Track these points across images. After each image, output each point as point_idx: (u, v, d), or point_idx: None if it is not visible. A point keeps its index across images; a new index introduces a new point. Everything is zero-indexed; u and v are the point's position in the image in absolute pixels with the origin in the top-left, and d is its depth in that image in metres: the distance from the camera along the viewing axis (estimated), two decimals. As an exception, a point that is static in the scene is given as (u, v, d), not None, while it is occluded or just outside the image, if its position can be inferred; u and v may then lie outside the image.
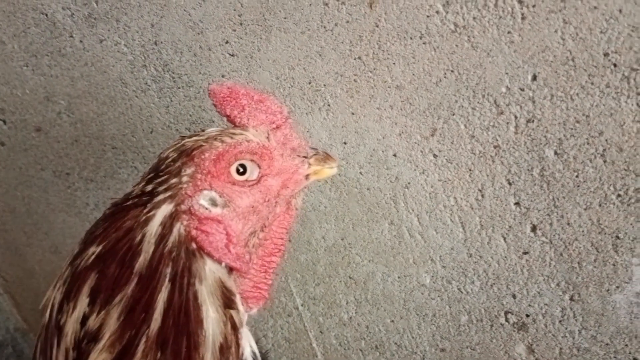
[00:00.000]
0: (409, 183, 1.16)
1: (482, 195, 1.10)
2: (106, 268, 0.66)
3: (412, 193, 1.17)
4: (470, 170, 1.09)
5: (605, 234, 1.02)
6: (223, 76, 1.24)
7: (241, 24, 1.15)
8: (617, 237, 1.01)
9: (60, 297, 0.68)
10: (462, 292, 1.21)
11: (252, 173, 0.74)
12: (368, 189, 1.21)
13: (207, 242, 0.68)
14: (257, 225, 0.75)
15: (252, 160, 0.73)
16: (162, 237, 0.67)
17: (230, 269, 0.72)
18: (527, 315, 1.16)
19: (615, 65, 0.90)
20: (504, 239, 1.11)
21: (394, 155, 1.15)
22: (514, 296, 1.15)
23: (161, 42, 1.27)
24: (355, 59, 1.09)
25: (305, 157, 0.80)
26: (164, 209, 0.68)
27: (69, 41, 1.37)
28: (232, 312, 0.69)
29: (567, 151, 0.99)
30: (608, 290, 1.06)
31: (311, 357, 1.52)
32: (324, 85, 1.14)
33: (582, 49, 0.91)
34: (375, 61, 1.07)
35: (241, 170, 0.73)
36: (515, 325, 1.18)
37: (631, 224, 0.99)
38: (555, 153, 1.00)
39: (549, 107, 0.97)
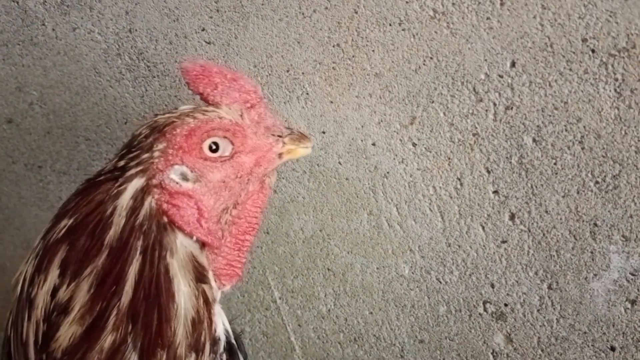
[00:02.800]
0: (388, 172, 1.15)
1: (461, 184, 1.09)
2: (76, 240, 0.65)
3: (391, 182, 1.16)
4: (449, 158, 1.08)
5: (583, 221, 1.02)
6: (199, 64, 1.22)
7: (218, 10, 1.13)
8: (595, 225, 1.01)
9: (31, 270, 0.68)
10: (440, 282, 1.20)
11: (225, 150, 0.74)
12: (347, 179, 1.20)
13: (178, 215, 0.68)
14: (229, 201, 0.75)
15: (224, 137, 0.74)
16: (134, 210, 0.67)
17: (203, 245, 0.72)
18: (506, 305, 1.15)
19: (593, 51, 0.90)
20: (483, 227, 1.11)
21: (373, 144, 1.14)
22: (492, 285, 1.15)
23: (136, 30, 1.24)
24: (333, 47, 1.08)
25: (279, 136, 0.79)
26: (136, 183, 0.68)
27: (41, 30, 1.33)
28: (205, 286, 0.69)
29: (545, 138, 0.99)
30: (586, 278, 1.06)
31: (289, 351, 1.50)
32: (303, 73, 1.13)
33: (560, 35, 0.91)
34: (354, 48, 1.06)
35: (214, 147, 0.72)
36: (493, 315, 1.18)
37: (609, 211, 0.99)
38: (534, 140, 1.00)
39: (528, 94, 0.97)
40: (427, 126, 1.07)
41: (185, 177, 0.71)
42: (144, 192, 0.68)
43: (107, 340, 0.63)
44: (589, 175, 0.98)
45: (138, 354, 0.64)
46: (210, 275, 0.72)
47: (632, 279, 1.02)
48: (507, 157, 1.03)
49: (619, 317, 1.06)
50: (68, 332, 0.63)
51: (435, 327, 1.25)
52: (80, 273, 0.64)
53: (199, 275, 0.69)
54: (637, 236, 0.99)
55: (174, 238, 0.68)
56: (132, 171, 0.69)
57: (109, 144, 1.47)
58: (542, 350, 1.15)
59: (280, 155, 0.79)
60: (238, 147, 0.75)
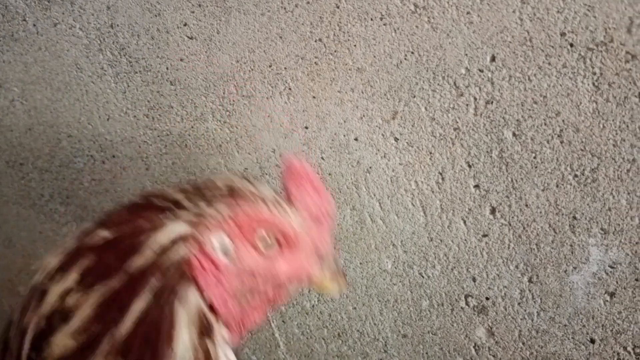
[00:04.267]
0: (370, 167, 1.15)
1: (443, 179, 1.10)
2: (104, 254, 0.65)
3: (373, 177, 1.16)
4: (430, 153, 1.08)
5: (562, 214, 1.03)
6: (182, 60, 1.21)
7: (200, 5, 1.12)
8: (574, 218, 1.02)
9: (55, 264, 0.67)
10: (423, 277, 1.21)
11: (271, 247, 0.74)
12: (329, 174, 1.20)
13: (201, 276, 0.68)
14: (247, 289, 0.74)
15: (277, 238, 0.73)
16: (165, 250, 0.66)
17: (211, 308, 0.70)
18: (487, 298, 1.16)
19: (571, 45, 0.91)
20: (464, 222, 1.11)
21: (356, 139, 1.14)
22: (474, 279, 1.16)
23: (117, 25, 1.23)
24: (316, 41, 1.08)
25: (322, 263, 0.79)
26: (181, 227, 0.68)
27: (21, 25, 1.32)
28: (208, 341, 0.68)
29: (525, 132, 0.99)
30: (566, 271, 1.07)
31: (274, 347, 1.50)
32: (285, 68, 1.13)
33: (539, 29, 0.92)
34: (336, 43, 1.06)
35: (265, 237, 0.72)
36: (475, 309, 1.18)
37: (588, 204, 1.00)
38: (514, 134, 1.01)
39: (507, 88, 0.97)
40: (408, 121, 1.07)
41: (224, 250, 0.70)
42: (183, 239, 0.67)
43: None
44: (568, 168, 0.99)
45: None
46: (217, 331, 0.71)
47: (610, 272, 1.03)
48: (487, 152, 1.04)
49: (598, 310, 1.07)
50: (62, 342, 0.62)
51: (418, 321, 1.26)
52: (93, 286, 0.63)
53: (204, 330, 0.68)
54: (615, 229, 1.00)
55: (189, 290, 0.67)
56: (185, 215, 0.68)
57: (91, 140, 1.45)
58: (523, 344, 1.16)
59: (312, 279, 0.79)
60: (282, 252, 0.74)
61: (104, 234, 0.66)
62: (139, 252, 0.65)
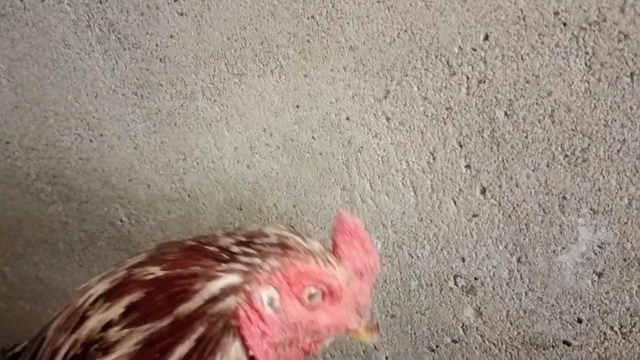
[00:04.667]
0: (361, 147, 1.15)
1: (434, 158, 1.09)
2: (155, 294, 0.66)
3: (364, 157, 1.15)
4: (422, 132, 1.08)
5: (552, 194, 1.03)
6: (172, 36, 1.19)
7: (191, -20, 1.11)
8: (564, 198, 1.02)
9: (101, 291, 0.68)
10: (412, 257, 1.21)
11: (315, 299, 0.75)
12: (320, 154, 1.19)
13: (247, 328, 0.69)
14: (287, 341, 0.76)
15: (322, 291, 0.75)
16: (215, 300, 0.67)
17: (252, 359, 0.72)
18: (476, 279, 1.16)
19: (564, 24, 0.91)
20: (454, 202, 1.11)
21: (347, 118, 1.13)
22: (463, 259, 1.16)
23: (106, 1, 1.21)
24: (308, 19, 1.06)
25: (360, 315, 0.80)
26: (233, 279, 0.69)
27: (8, 0, 1.29)
28: None
29: (517, 112, 0.99)
30: (554, 252, 1.07)
31: (261, 328, 1.50)
32: (277, 46, 1.11)
33: (532, 8, 0.91)
34: (328, 20, 1.05)
35: (312, 292, 0.74)
36: (464, 289, 1.19)
37: (577, 185, 1.00)
38: (506, 114, 1.00)
39: (500, 68, 0.97)
40: (400, 100, 1.07)
41: (271, 303, 0.71)
42: (233, 290, 0.68)
43: None
44: (559, 148, 0.99)
45: None
46: None
47: (599, 252, 1.04)
48: (479, 131, 1.03)
49: (586, 290, 1.08)
50: None
51: (407, 301, 1.26)
52: (139, 324, 0.64)
53: None
54: (604, 209, 1.00)
55: (232, 342, 0.68)
56: (237, 266, 0.69)
57: (79, 118, 1.43)
58: (511, 324, 1.17)
59: (348, 330, 0.80)
60: (325, 304, 0.75)
61: (155, 270, 0.68)
62: (191, 299, 0.66)
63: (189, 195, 1.40)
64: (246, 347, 0.70)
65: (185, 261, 0.69)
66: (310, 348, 0.82)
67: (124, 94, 1.34)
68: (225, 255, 0.70)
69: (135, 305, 0.65)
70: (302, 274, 0.72)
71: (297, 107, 1.17)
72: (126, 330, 0.64)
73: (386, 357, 1.34)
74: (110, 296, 0.67)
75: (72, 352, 0.65)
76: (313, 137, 1.18)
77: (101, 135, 1.43)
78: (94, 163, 1.48)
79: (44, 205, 1.63)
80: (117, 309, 0.65)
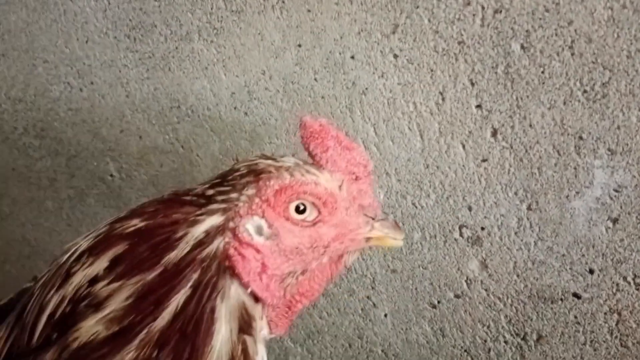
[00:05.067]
0: (366, 89, 1.07)
1: (443, 99, 1.02)
2: (138, 245, 0.64)
3: (369, 100, 1.08)
4: (432, 70, 1.00)
5: (568, 134, 0.96)
6: (168, -30, 1.11)
7: None
8: (580, 138, 0.95)
9: (85, 247, 0.66)
10: (416, 207, 1.13)
11: (310, 215, 0.70)
12: (322, 97, 1.11)
13: (241, 265, 0.65)
14: (297, 266, 0.71)
15: (313, 203, 0.70)
16: (201, 244, 0.65)
17: (257, 298, 0.68)
18: (482, 228, 1.09)
19: (590, -56, 0.83)
20: (463, 146, 1.04)
21: (352, 57, 1.05)
22: (469, 208, 1.09)
23: None
24: (313, -54, 0.99)
25: (372, 218, 0.74)
26: (214, 219, 0.66)
27: None
28: (247, 337, 0.66)
29: (534, 44, 0.92)
30: (567, 197, 1.00)
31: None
32: (279, -22, 1.03)
33: None
34: (335, -52, 0.97)
35: (301, 208, 0.69)
36: (469, 240, 1.11)
37: (595, 123, 0.93)
38: (522, 47, 0.93)
39: (518, -5, 0.90)
40: (410, 35, 0.99)
41: (259, 232, 0.67)
42: (217, 230, 0.66)
43: (130, 355, 0.60)
44: (577, 83, 0.92)
45: None
46: (257, 327, 0.69)
47: (615, 196, 0.97)
48: (492, 67, 0.96)
49: (599, 238, 1.01)
50: (91, 329, 0.60)
51: (409, 255, 1.19)
52: (126, 277, 0.62)
53: (244, 326, 0.66)
54: (623, 149, 0.93)
55: (229, 284, 0.65)
56: (215, 206, 0.67)
57: (68, 65, 1.34)
58: (518, 276, 1.10)
59: (367, 239, 0.74)
60: (324, 216, 0.70)
61: (136, 222, 0.66)
62: (175, 245, 0.64)
63: (182, 147, 1.32)
64: (245, 286, 0.66)
65: (165, 211, 0.67)
66: (332, 269, 0.75)
67: (116, 37, 1.26)
68: (202, 200, 0.68)
69: (120, 258, 0.63)
70: (280, 191, 0.67)
71: (299, 46, 1.09)
72: (115, 285, 0.62)
73: (385, 315, 1.27)
74: (93, 251, 0.65)
75: (59, 310, 0.63)
76: (315, 79, 1.10)
77: (92, 83, 1.34)
78: (84, 114, 1.39)
79: (31, 161, 1.54)
80: (101, 263, 0.63)
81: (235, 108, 1.20)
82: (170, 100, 1.27)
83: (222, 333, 0.64)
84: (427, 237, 1.15)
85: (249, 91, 1.17)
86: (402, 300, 1.23)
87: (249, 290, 0.66)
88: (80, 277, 0.63)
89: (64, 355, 0.60)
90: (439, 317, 1.21)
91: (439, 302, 1.20)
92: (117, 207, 1.48)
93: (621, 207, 0.97)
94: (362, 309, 1.29)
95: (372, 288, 1.25)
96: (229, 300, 0.65)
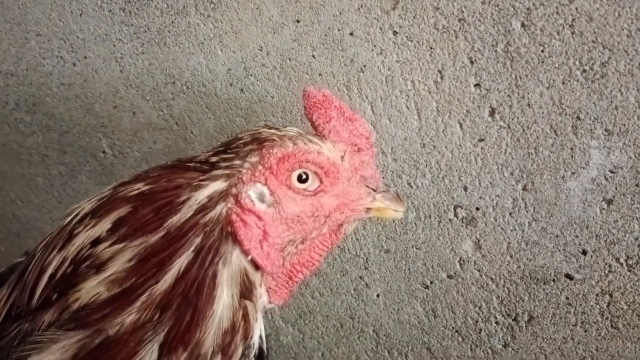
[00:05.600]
0: (364, 66, 1.05)
1: (442, 77, 1.01)
2: (141, 207, 0.64)
3: (367, 77, 1.06)
4: (431, 48, 0.99)
5: (565, 114, 0.95)
6: (166, -59, 1.08)
7: None
8: (578, 118, 0.95)
9: (88, 209, 0.66)
10: (412, 187, 1.12)
11: (312, 184, 0.71)
12: (320, 74, 1.10)
13: (242, 231, 0.66)
14: (298, 235, 0.71)
15: (315, 173, 0.70)
16: (204, 208, 0.65)
17: (257, 266, 0.68)
18: (477, 209, 1.09)
19: None
20: (460, 125, 1.03)
21: (351, 34, 1.04)
22: (465, 188, 1.08)
23: None
24: None
25: (373, 189, 0.75)
26: (217, 185, 0.67)
27: None
28: (248, 303, 0.67)
29: (534, 22, 0.91)
30: (563, 177, 1.00)
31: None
32: (279, -49, 1.02)
33: None
34: None
35: (303, 177, 0.70)
36: (464, 220, 1.11)
37: (593, 103, 0.93)
38: (522, 25, 0.92)
39: (521, -28, 0.89)
40: (410, 11, 0.98)
41: (261, 198, 0.68)
42: (220, 196, 0.66)
43: (131, 317, 0.60)
44: (577, 63, 0.91)
45: (159, 344, 0.61)
46: (258, 293, 0.69)
47: (610, 177, 0.96)
48: (492, 45, 0.95)
49: (593, 219, 1.00)
50: (92, 290, 0.60)
51: (403, 235, 1.18)
52: (129, 239, 0.62)
53: (245, 291, 0.66)
54: (620, 129, 0.93)
55: (231, 249, 0.66)
56: (219, 172, 0.67)
57: (62, 39, 1.31)
58: (511, 257, 1.09)
59: (368, 209, 0.75)
60: (325, 186, 0.71)
61: (139, 186, 0.66)
62: (178, 209, 0.64)
63: (177, 123, 1.30)
64: (246, 253, 0.66)
65: (169, 176, 0.67)
66: (332, 239, 0.76)
67: (110, 11, 1.23)
68: (205, 167, 0.68)
69: (123, 220, 0.63)
70: (282, 159, 0.68)
71: (298, 21, 1.07)
72: (118, 246, 0.62)
73: (377, 295, 1.26)
74: (96, 213, 0.65)
75: (60, 271, 0.62)
76: (313, 56, 1.09)
77: (85, 57, 1.31)
78: (77, 89, 1.36)
79: (22, 137, 1.51)
80: (104, 225, 0.63)
81: (231, 84, 1.18)
82: (165, 76, 1.25)
83: (224, 298, 0.64)
84: (421, 217, 1.14)
85: (245, 67, 1.15)
86: (394, 280, 1.23)
87: (249, 257, 0.66)
88: (82, 238, 0.63)
89: (64, 315, 0.60)
90: (431, 298, 1.21)
91: (431, 282, 1.19)
92: (109, 184, 1.46)
93: (616, 188, 0.97)
94: (354, 289, 1.28)
95: (365, 268, 1.25)
96: (231, 265, 0.65)
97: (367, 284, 1.26)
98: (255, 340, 0.71)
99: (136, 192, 0.66)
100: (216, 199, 0.66)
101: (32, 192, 1.59)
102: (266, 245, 0.67)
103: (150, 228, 0.63)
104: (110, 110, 1.35)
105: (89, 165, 1.46)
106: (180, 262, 0.63)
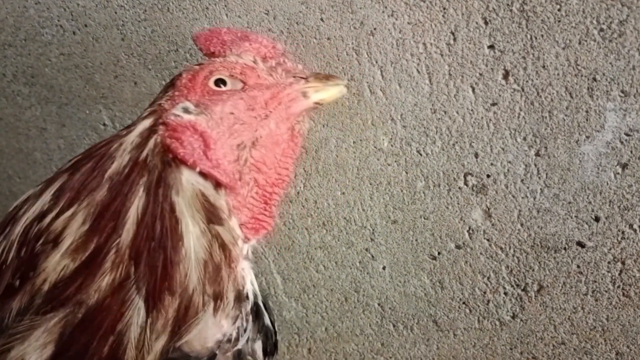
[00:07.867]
0: (374, 29, 1.02)
1: (454, 39, 0.98)
2: (76, 171, 0.63)
3: (377, 41, 1.03)
4: (444, 8, 0.96)
5: (581, 76, 0.92)
6: None
7: None
8: (594, 79, 0.92)
9: (30, 193, 0.66)
10: (421, 155, 1.09)
11: (234, 85, 0.72)
12: (328, 38, 1.06)
13: (181, 148, 0.64)
14: (244, 136, 0.70)
15: (231, 76, 0.72)
16: (139, 147, 0.64)
17: (217, 184, 0.66)
18: (488, 176, 1.06)
19: None
20: (473, 89, 1.00)
21: (361, -5, 1.01)
22: (476, 155, 1.05)
23: None
24: None
25: (302, 77, 0.76)
26: (144, 123, 0.67)
27: None
28: (219, 228, 0.64)
29: (552, -21, 0.88)
30: (577, 141, 0.97)
31: (251, 241, 1.37)
32: None
33: None
34: None
35: (220, 84, 0.72)
36: (474, 188, 1.08)
37: (610, 63, 0.90)
38: (539, -18, 0.89)
39: None
40: (423, -30, 0.95)
41: (187, 111, 0.68)
42: (150, 130, 0.66)
43: (106, 279, 0.58)
44: (594, 21, 0.88)
45: (143, 297, 0.58)
46: (226, 214, 0.66)
47: (626, 140, 0.94)
48: (508, 4, 0.92)
49: (607, 184, 0.98)
50: (58, 265, 0.58)
51: (411, 204, 1.15)
52: (75, 204, 0.60)
53: (211, 216, 0.64)
54: (637, 90, 0.90)
55: (179, 175, 0.64)
56: (142, 115, 0.70)
57: (61, 7, 1.27)
58: (522, 225, 1.07)
59: (305, 93, 0.74)
60: (250, 84, 0.72)
61: (75, 157, 0.67)
62: (113, 157, 0.63)
63: (180, 93, 1.26)
64: (194, 167, 0.65)
65: (100, 142, 0.68)
66: (291, 146, 0.75)
67: (113, -25, 1.19)
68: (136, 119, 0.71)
69: (63, 187, 0.62)
70: (193, 76, 0.71)
71: (306, -17, 1.03)
72: (67, 213, 0.59)
73: (383, 267, 1.23)
74: (36, 193, 0.64)
75: (10, 255, 0.61)
76: (322, 19, 1.05)
77: (85, 25, 1.27)
78: (77, 59, 1.32)
79: (20, 110, 1.47)
80: (45, 197, 0.62)
81: (236, 51, 1.14)
82: (168, 44, 1.21)
83: (191, 229, 0.62)
84: (430, 185, 1.11)
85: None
86: (401, 252, 1.20)
87: (198, 170, 0.64)
88: (25, 217, 0.61)
89: (37, 300, 0.57)
90: (438, 269, 1.18)
91: (439, 253, 1.16)
92: (109, 158, 1.42)
93: (631, 152, 0.94)
94: (360, 262, 1.25)
95: (372, 240, 1.22)
96: (184, 192, 0.63)
97: (373, 256, 1.23)
98: (248, 289, 0.68)
99: (72, 162, 0.66)
100: (146, 134, 0.66)
101: (30, 168, 1.55)
102: (211, 153, 0.66)
103: (93, 185, 0.61)
104: (111, 81, 1.31)
105: (88, 138, 1.41)
106: (134, 207, 0.61)
